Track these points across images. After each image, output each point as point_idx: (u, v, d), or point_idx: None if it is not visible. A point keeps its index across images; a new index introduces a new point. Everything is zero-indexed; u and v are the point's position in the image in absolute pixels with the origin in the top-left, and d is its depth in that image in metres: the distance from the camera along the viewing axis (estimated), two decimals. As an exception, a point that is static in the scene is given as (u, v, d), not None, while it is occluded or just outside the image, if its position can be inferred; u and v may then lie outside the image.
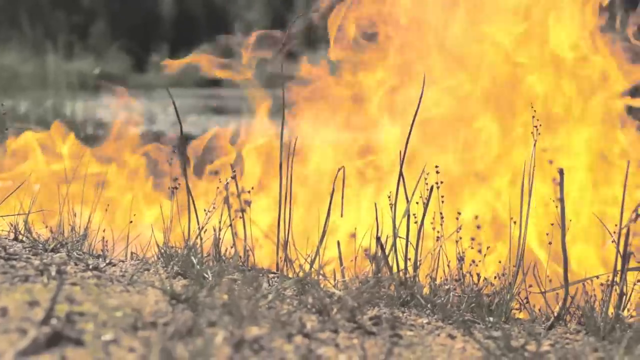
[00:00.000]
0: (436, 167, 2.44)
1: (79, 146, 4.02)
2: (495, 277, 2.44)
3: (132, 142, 4.01)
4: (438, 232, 2.44)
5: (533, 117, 2.36)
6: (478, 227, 2.26)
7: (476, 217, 2.49)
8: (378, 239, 2.34)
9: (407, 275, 2.34)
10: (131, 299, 1.85)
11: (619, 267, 2.31)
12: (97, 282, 2.02)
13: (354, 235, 2.43)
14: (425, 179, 2.43)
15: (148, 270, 2.34)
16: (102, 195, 3.04)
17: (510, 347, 1.82)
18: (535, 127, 2.35)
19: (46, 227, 2.71)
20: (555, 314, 2.34)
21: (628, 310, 2.35)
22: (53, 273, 1.96)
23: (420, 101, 2.46)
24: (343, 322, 1.87)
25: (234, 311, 1.67)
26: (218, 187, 2.49)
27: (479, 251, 2.32)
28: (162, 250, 2.48)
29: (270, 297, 1.93)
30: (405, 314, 2.15)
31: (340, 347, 1.70)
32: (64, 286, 1.87)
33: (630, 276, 2.39)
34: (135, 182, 3.89)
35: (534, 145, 2.35)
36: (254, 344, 1.58)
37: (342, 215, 2.66)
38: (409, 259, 2.40)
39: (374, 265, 2.25)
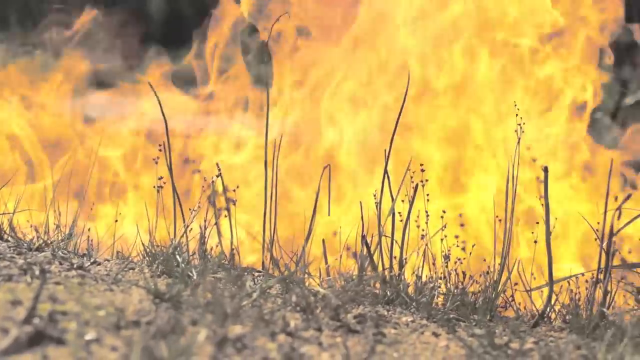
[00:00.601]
0: (421, 165, 2.44)
1: (66, 144, 4.01)
2: (480, 275, 2.45)
3: (118, 139, 4.00)
4: (423, 230, 2.45)
5: (516, 114, 2.37)
6: (462, 225, 2.26)
7: (460, 215, 2.50)
8: (363, 237, 2.35)
9: (392, 274, 2.34)
10: (115, 298, 1.84)
11: (603, 264, 2.32)
12: (80, 281, 2.01)
13: (335, 234, 2.43)
14: (412, 177, 2.44)
15: (133, 269, 2.34)
16: (88, 193, 3.03)
17: (494, 344, 1.83)
18: (519, 124, 2.36)
19: (31, 226, 2.70)
20: (540, 312, 2.35)
21: (613, 307, 2.36)
22: (36, 272, 1.96)
23: (405, 99, 2.47)
24: (327, 321, 1.87)
25: (217, 310, 1.67)
26: (203, 186, 2.49)
27: (463, 249, 2.32)
28: (147, 249, 2.47)
29: (254, 295, 1.93)
30: (389, 312, 2.16)
31: (323, 346, 1.70)
32: (48, 285, 1.86)
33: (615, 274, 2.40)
34: (122, 180, 3.88)
35: (518, 142, 2.36)
36: (237, 343, 1.58)
37: (329, 214, 2.66)
38: (395, 257, 2.41)
39: (358, 263, 2.25)
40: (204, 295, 1.80)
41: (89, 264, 2.36)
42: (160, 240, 2.58)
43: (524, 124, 2.36)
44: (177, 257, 2.34)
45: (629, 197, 2.12)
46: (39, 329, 1.47)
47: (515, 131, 2.36)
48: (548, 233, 2.34)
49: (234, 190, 2.42)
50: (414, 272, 2.43)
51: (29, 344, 1.43)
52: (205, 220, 2.44)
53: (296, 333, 1.74)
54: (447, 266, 2.44)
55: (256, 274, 2.49)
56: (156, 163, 2.61)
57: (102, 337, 1.51)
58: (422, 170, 2.45)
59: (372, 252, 2.37)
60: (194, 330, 1.58)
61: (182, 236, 2.44)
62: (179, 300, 1.82)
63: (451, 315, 2.20)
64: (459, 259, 2.48)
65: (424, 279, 2.42)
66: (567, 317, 2.34)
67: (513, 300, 2.46)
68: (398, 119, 2.46)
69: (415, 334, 1.95)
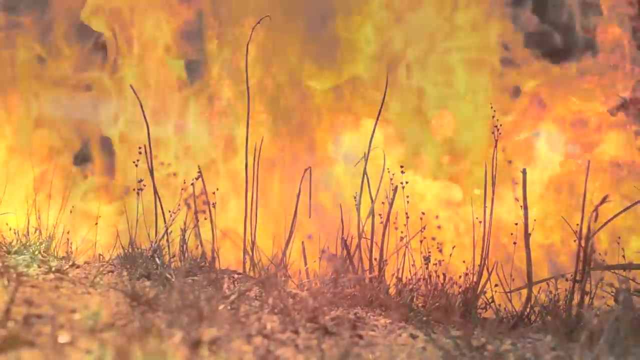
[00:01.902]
0: (401, 167, 2.45)
1: (48, 148, 3.98)
2: (460, 277, 2.45)
3: (99, 143, 3.98)
4: (402, 232, 2.45)
5: (493, 117, 2.38)
6: (438, 227, 2.27)
7: (437, 217, 2.50)
8: (343, 239, 2.35)
9: (372, 275, 2.34)
10: (91, 301, 1.84)
11: (581, 266, 2.33)
12: (58, 284, 2.00)
13: (310, 237, 2.43)
14: (391, 179, 2.44)
15: (112, 272, 2.33)
16: (69, 197, 3.02)
17: (471, 346, 1.83)
18: (496, 127, 2.36)
19: (10, 229, 2.69)
20: (519, 314, 2.36)
21: (592, 308, 2.37)
22: (14, 275, 1.95)
23: (383, 101, 2.47)
24: (304, 323, 1.87)
25: (193, 312, 1.67)
26: (182, 189, 2.49)
27: (440, 251, 2.33)
28: (128, 252, 2.47)
29: (232, 297, 1.93)
30: (368, 314, 2.16)
31: (299, 348, 1.70)
32: (24, 288, 1.85)
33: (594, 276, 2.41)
34: (102, 183, 3.86)
35: (495, 145, 2.37)
36: (212, 345, 1.58)
37: (309, 216, 2.66)
38: (375, 259, 2.41)
39: (337, 265, 2.25)
40: (181, 297, 1.79)
41: (68, 266, 2.35)
42: (141, 243, 2.57)
43: (500, 125, 2.36)
44: (157, 259, 2.34)
45: (605, 198, 2.13)
46: (13, 333, 1.47)
47: (492, 133, 2.37)
48: (527, 235, 2.35)
49: (214, 193, 2.42)
50: (393, 274, 2.43)
51: (2, 347, 1.42)
52: (185, 223, 2.44)
53: (272, 335, 1.74)
54: (427, 268, 2.44)
55: (236, 276, 2.48)
56: (136, 166, 2.60)
57: (76, 340, 1.50)
58: (402, 172, 2.45)
59: (352, 254, 2.37)
60: (169, 333, 1.57)
61: (161, 239, 2.44)
62: (156, 303, 1.81)
63: (430, 317, 2.20)
64: (439, 261, 2.48)
65: (403, 280, 2.42)
66: (546, 318, 2.34)
67: (493, 301, 2.46)
68: (376, 122, 2.47)
69: (393, 336, 1.95)
